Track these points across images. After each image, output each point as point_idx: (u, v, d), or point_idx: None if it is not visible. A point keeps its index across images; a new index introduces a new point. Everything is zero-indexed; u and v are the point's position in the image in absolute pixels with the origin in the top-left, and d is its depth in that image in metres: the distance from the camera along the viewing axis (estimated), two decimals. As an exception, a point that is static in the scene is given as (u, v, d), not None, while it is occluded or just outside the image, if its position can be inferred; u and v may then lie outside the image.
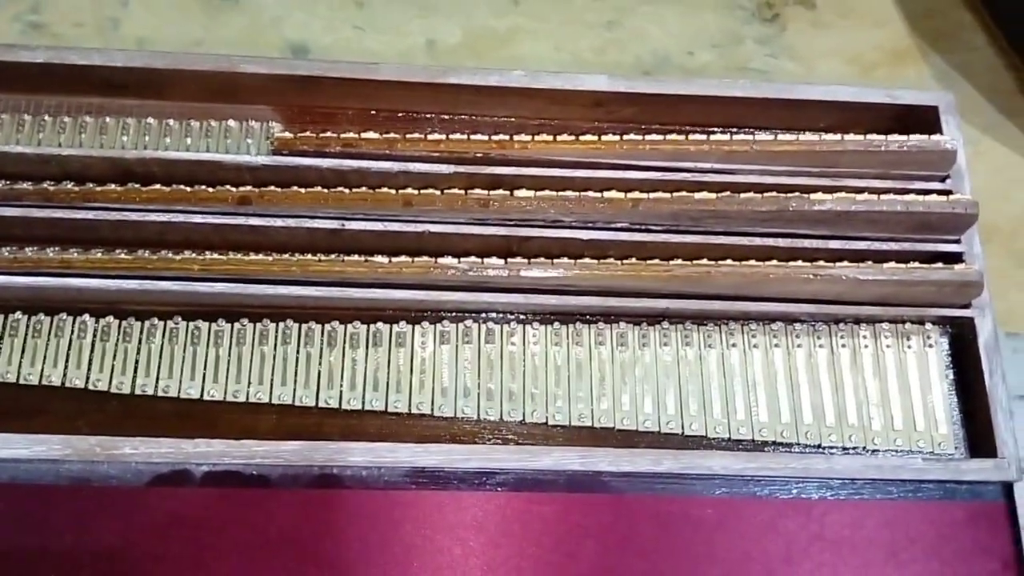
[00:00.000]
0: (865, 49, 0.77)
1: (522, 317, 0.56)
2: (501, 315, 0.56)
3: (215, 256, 0.54)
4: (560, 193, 0.55)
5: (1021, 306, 1.01)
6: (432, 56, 0.68)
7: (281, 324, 0.55)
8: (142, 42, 0.67)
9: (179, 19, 0.68)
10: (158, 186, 0.55)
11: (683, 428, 0.54)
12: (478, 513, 0.51)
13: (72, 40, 0.66)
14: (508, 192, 0.55)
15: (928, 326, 0.56)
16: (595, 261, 0.55)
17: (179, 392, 0.53)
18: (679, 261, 0.55)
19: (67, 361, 0.54)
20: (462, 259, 0.54)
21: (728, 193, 0.55)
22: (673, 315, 0.56)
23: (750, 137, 0.57)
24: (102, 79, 0.58)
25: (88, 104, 0.60)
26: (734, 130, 0.60)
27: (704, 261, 0.55)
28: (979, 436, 0.54)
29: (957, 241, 0.56)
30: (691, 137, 0.58)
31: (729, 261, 0.55)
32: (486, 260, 0.54)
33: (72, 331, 0.54)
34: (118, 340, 0.54)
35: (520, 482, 0.51)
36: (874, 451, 0.54)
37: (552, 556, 0.50)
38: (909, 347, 0.56)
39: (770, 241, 0.56)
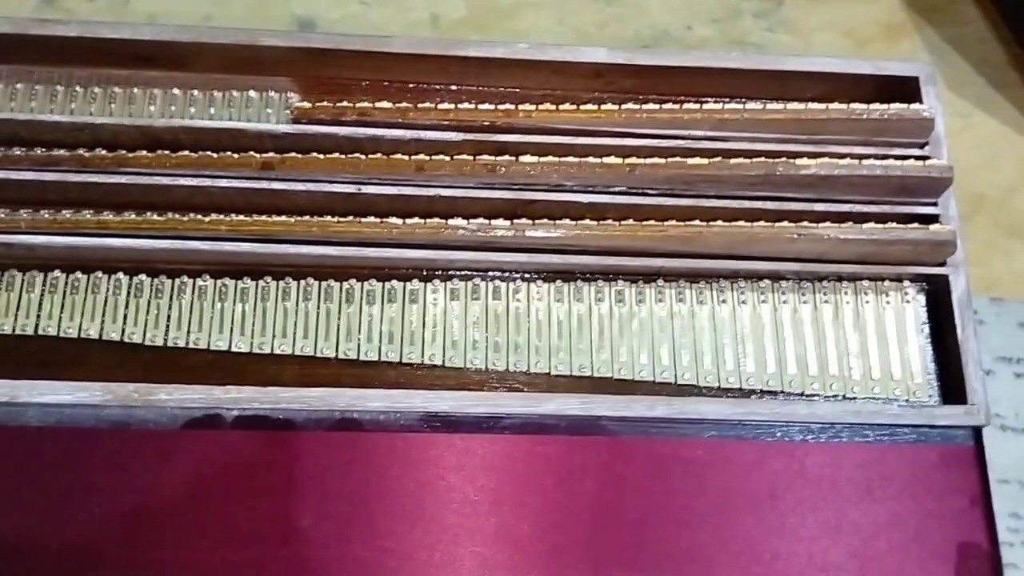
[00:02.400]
0: (860, 23, 0.80)
1: (527, 275, 0.60)
2: (507, 273, 0.59)
3: (241, 218, 0.58)
4: (562, 159, 0.59)
5: (1007, 273, 1.04)
6: (436, 30, 0.71)
7: (302, 282, 0.59)
8: (153, 16, 0.69)
9: (189, -8, 0.71)
10: (186, 153, 0.59)
11: (676, 377, 0.57)
12: (486, 454, 0.55)
13: (84, 15, 0.69)
14: (514, 158, 0.59)
15: (905, 283, 0.59)
16: (595, 222, 0.58)
17: (208, 344, 0.57)
18: (673, 222, 0.58)
19: (103, 316, 0.58)
20: (471, 220, 0.58)
21: (719, 159, 0.59)
22: (667, 273, 0.59)
23: (740, 106, 0.61)
24: (131, 52, 0.62)
25: (117, 76, 0.63)
26: (727, 100, 0.64)
27: (696, 222, 0.58)
28: (951, 385, 0.57)
29: (934, 204, 0.60)
30: (685, 106, 0.61)
31: (720, 222, 0.58)
32: (493, 221, 0.58)
33: (107, 288, 0.58)
34: (151, 296, 0.58)
35: (525, 426, 0.55)
36: (853, 399, 0.57)
37: (554, 494, 0.55)
38: (887, 303, 0.60)
39: (758, 204, 0.59)
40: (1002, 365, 0.65)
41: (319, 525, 0.53)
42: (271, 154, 0.59)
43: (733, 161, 0.59)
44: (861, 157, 0.59)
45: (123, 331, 0.57)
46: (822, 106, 0.60)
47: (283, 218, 0.58)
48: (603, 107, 0.61)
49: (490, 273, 0.59)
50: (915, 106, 0.60)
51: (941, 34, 0.84)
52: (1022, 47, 1.11)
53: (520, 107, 0.61)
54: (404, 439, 0.55)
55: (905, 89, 0.63)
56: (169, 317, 0.58)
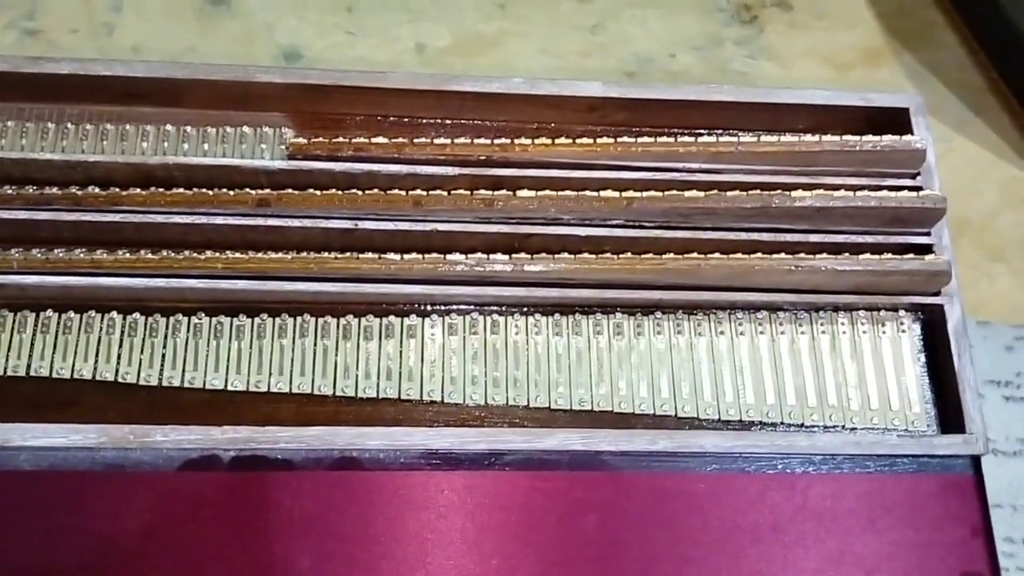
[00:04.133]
0: (840, 49, 0.81)
1: (525, 309, 0.59)
2: (505, 308, 0.59)
3: (237, 255, 0.58)
4: (559, 193, 0.59)
5: (991, 296, 1.05)
6: (422, 59, 0.71)
7: (299, 318, 0.58)
8: (136, 47, 0.69)
9: (172, 25, 0.70)
10: (180, 190, 0.59)
11: (676, 410, 0.57)
12: (488, 491, 0.55)
13: (67, 45, 0.68)
14: (511, 192, 0.59)
15: (901, 313, 0.60)
16: (593, 256, 0.58)
17: (204, 383, 0.57)
18: (671, 255, 0.59)
19: (97, 356, 0.57)
20: (468, 255, 0.58)
21: (715, 191, 0.59)
22: (666, 306, 0.59)
23: (735, 139, 0.61)
24: (123, 88, 0.62)
25: (109, 112, 0.63)
26: (719, 132, 0.65)
27: (694, 255, 0.59)
28: (949, 414, 0.58)
29: (927, 234, 0.61)
30: (680, 139, 0.62)
31: (717, 254, 0.59)
32: (491, 256, 0.58)
33: (101, 327, 0.58)
34: (145, 335, 0.58)
35: (526, 462, 0.55)
36: (852, 429, 0.57)
37: (556, 529, 0.54)
38: (884, 333, 0.60)
39: (755, 236, 0.59)
40: (990, 389, 0.65)
41: (319, 567, 0.52)
42: (267, 191, 0.59)
43: (729, 193, 0.59)
44: (855, 188, 0.60)
45: (117, 371, 0.57)
46: (815, 138, 0.61)
47: (279, 255, 0.58)
48: (599, 141, 0.61)
49: (488, 307, 0.59)
50: (907, 138, 0.61)
51: (920, 60, 0.86)
52: (1000, 73, 1.13)
53: (516, 141, 0.61)
54: (405, 477, 0.54)
55: (895, 120, 0.64)
56: (164, 356, 0.57)
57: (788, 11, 0.81)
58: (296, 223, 0.58)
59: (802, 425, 0.57)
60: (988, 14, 0.94)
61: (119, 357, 0.57)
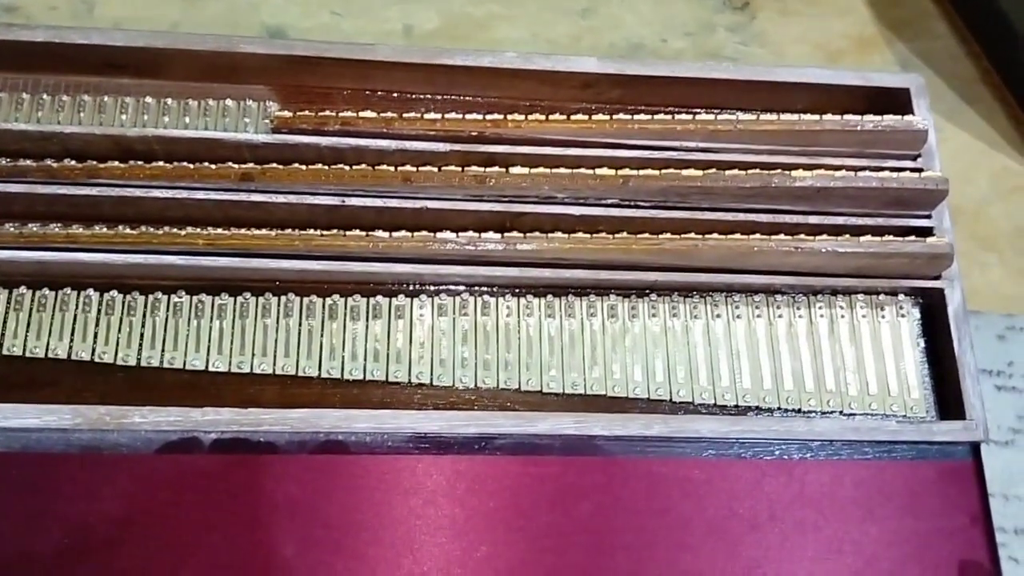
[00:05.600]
0: (832, 36, 0.80)
1: (517, 290, 0.58)
2: (497, 288, 0.58)
3: (219, 231, 0.56)
4: (553, 170, 0.57)
5: (984, 286, 1.05)
6: (410, 42, 0.69)
7: (283, 298, 0.56)
8: (118, 24, 0.67)
9: (154, 2, 0.68)
10: (160, 163, 0.57)
11: (671, 394, 0.56)
12: (477, 476, 0.53)
13: (47, 22, 0.66)
14: (503, 169, 0.57)
15: (901, 297, 0.59)
16: (587, 235, 0.57)
17: (184, 364, 0.55)
18: (668, 235, 0.57)
19: (73, 334, 0.55)
20: (459, 233, 0.56)
21: (714, 170, 0.58)
22: (661, 287, 0.58)
23: (733, 117, 0.60)
24: (101, 58, 0.59)
25: (86, 83, 0.60)
26: (716, 111, 0.63)
27: (691, 235, 0.57)
28: (949, 400, 0.57)
29: (928, 216, 0.59)
30: (678, 117, 0.60)
31: (715, 235, 0.57)
32: (482, 235, 0.56)
33: (77, 305, 0.55)
34: (123, 314, 0.55)
35: (517, 446, 0.54)
36: (851, 414, 0.56)
37: (548, 516, 0.53)
38: (883, 317, 0.59)
39: (753, 216, 0.58)
40: (983, 378, 0.65)
41: (303, 553, 0.51)
42: (251, 165, 0.57)
43: (728, 173, 0.57)
44: (856, 169, 0.58)
45: (94, 350, 0.55)
46: (816, 117, 0.59)
47: (263, 231, 0.56)
48: (594, 117, 0.59)
49: (479, 288, 0.58)
50: (908, 118, 0.60)
51: (911, 49, 0.85)
52: (992, 62, 1.13)
53: (509, 117, 0.59)
54: (392, 462, 0.53)
55: (895, 101, 0.63)
56: (142, 335, 0.55)
57: (780, -2, 0.80)
58: (281, 199, 0.56)
59: (799, 410, 0.56)
60: (981, 3, 0.94)
61: (96, 336, 0.55)
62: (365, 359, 0.56)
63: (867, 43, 0.89)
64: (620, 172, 0.57)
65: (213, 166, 0.56)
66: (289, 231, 0.56)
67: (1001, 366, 0.95)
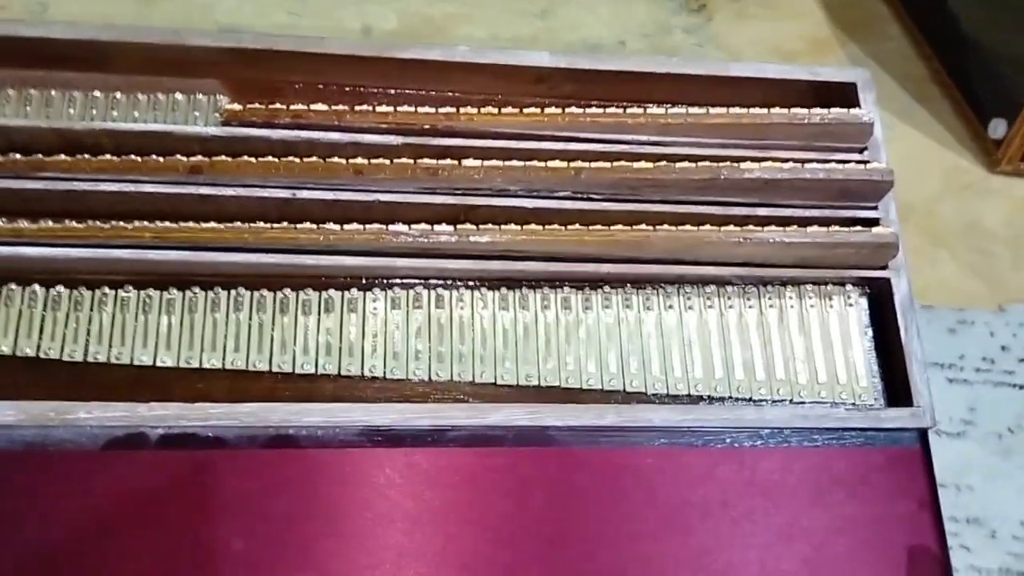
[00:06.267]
0: (787, 38, 0.81)
1: (471, 283, 0.58)
2: (450, 281, 0.57)
3: (167, 225, 0.55)
4: (506, 163, 0.57)
5: (936, 281, 1.07)
6: (368, 42, 0.69)
7: (233, 292, 0.56)
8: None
9: (109, 1, 0.68)
10: (108, 156, 0.56)
11: (624, 385, 0.56)
12: (430, 469, 0.53)
13: (-3, 22, 0.65)
14: (456, 162, 0.57)
15: (848, 287, 0.60)
16: (540, 227, 0.57)
17: (132, 359, 0.54)
18: (620, 227, 0.57)
19: (18, 330, 0.54)
20: (412, 226, 0.56)
21: (664, 163, 0.58)
22: (614, 279, 0.58)
23: (683, 111, 0.60)
24: (49, 51, 0.58)
25: (33, 77, 0.59)
26: (669, 105, 0.63)
27: (643, 227, 0.57)
28: (896, 388, 0.57)
29: (874, 208, 0.60)
30: (629, 111, 0.60)
31: (666, 226, 0.58)
32: (435, 227, 0.56)
33: (22, 300, 0.54)
34: (69, 309, 0.55)
35: (470, 438, 0.53)
36: (800, 402, 0.57)
37: (502, 507, 0.53)
38: (831, 307, 0.60)
39: (703, 208, 0.59)
40: (934, 371, 0.66)
41: (253, 549, 0.50)
42: (199, 158, 0.56)
43: (678, 165, 0.58)
44: (803, 161, 0.59)
45: (39, 346, 0.54)
46: (764, 111, 0.60)
47: (212, 224, 0.55)
48: (546, 111, 0.60)
49: (432, 281, 0.57)
50: (854, 111, 0.61)
51: (864, 50, 0.87)
52: (942, 63, 1.15)
53: (462, 110, 0.59)
54: (343, 455, 0.52)
55: (843, 95, 0.64)
56: (89, 331, 0.54)
57: (736, 0, 0.81)
58: (230, 192, 0.56)
59: (750, 399, 0.57)
60: (932, 5, 0.96)
61: (41, 332, 0.54)
62: (317, 353, 0.55)
63: (821, 44, 0.90)
64: (572, 165, 0.58)
65: (161, 159, 0.56)
66: (239, 224, 0.56)
67: (952, 359, 0.97)
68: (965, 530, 0.85)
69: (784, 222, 0.58)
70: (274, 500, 0.51)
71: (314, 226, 0.55)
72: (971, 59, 1.16)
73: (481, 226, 0.57)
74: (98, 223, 0.55)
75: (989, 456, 0.89)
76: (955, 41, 1.15)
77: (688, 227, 0.57)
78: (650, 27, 0.76)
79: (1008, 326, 0.98)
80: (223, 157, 0.56)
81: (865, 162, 0.61)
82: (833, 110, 0.61)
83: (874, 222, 0.60)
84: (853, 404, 0.57)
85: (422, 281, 0.57)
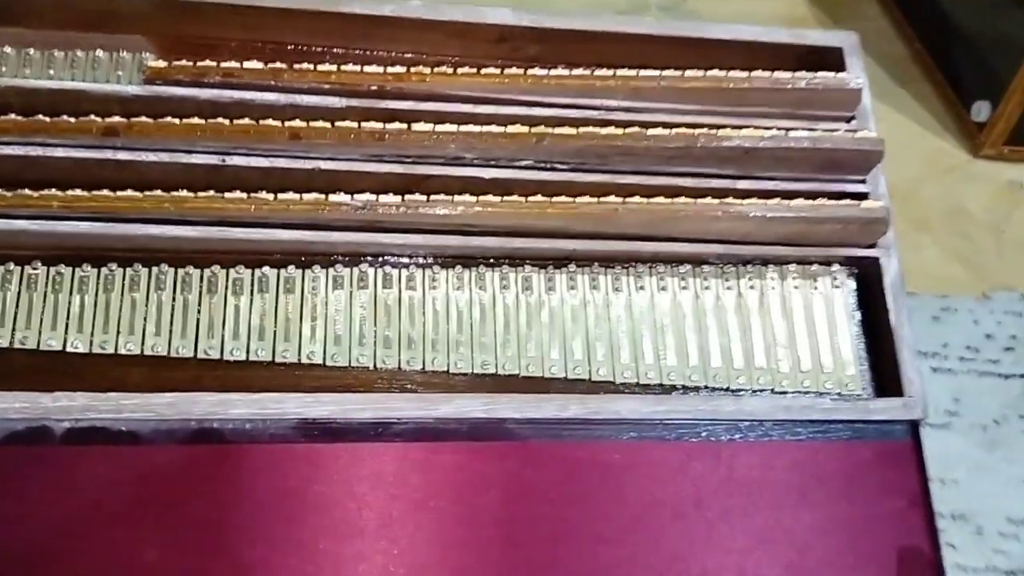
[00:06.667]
0: (764, 17, 0.79)
1: (421, 260, 0.52)
2: (399, 258, 0.52)
3: (78, 193, 0.49)
4: (461, 128, 0.52)
5: (918, 267, 1.03)
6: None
7: (154, 269, 0.50)
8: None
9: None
10: (13, 116, 0.50)
11: (590, 373, 0.52)
12: (374, 466, 0.48)
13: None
14: (405, 126, 0.52)
15: (835, 267, 0.55)
16: (498, 199, 0.52)
17: (39, 344, 0.48)
18: (586, 199, 0.52)
19: (-94, 312, 0.48)
20: (355, 196, 0.50)
21: (636, 129, 0.53)
22: (580, 257, 0.53)
23: (657, 74, 0.55)
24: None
25: (-67, 31, 0.53)
26: (640, 69, 0.58)
27: (612, 199, 0.52)
28: (886, 376, 0.53)
29: (863, 181, 0.56)
30: (597, 72, 0.55)
31: (637, 199, 0.53)
32: (381, 198, 0.51)
33: (-88, 278, 0.48)
34: (-33, 288, 0.49)
35: (419, 432, 0.48)
36: (782, 392, 0.52)
37: (454, 507, 0.47)
38: (816, 288, 0.55)
39: (678, 180, 0.54)
40: (917, 360, 0.62)
41: (169, 560, 0.44)
42: (116, 119, 0.50)
43: (651, 132, 0.53)
44: (787, 129, 0.54)
45: (-69, 330, 0.48)
46: (744, 74, 0.55)
47: (130, 193, 0.50)
48: (507, 71, 0.54)
49: (379, 257, 0.52)
50: (841, 75, 0.56)
51: (843, 29, 0.83)
52: (924, 44, 1.11)
53: (413, 70, 0.54)
54: (275, 451, 0.47)
55: (828, 60, 0.59)
56: (-10, 312, 0.48)
57: (713, -22, 0.78)
58: (152, 157, 0.50)
59: (728, 389, 0.52)
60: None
61: (-66, 313, 0.48)
62: (249, 338, 0.50)
63: (799, 23, 0.86)
64: (535, 130, 0.53)
65: (73, 119, 0.50)
66: (160, 193, 0.50)
67: (936, 347, 0.94)
68: (950, 527, 0.82)
69: (766, 195, 0.54)
70: (195, 504, 0.45)
71: (245, 195, 0.50)
72: (954, 40, 1.13)
73: (433, 197, 0.51)
74: (1, 191, 0.49)
75: (974, 448, 0.86)
76: (937, 21, 1.12)
77: (661, 200, 0.53)
78: (624, 5, 0.72)
79: (992, 314, 0.95)
80: (143, 119, 0.50)
81: (853, 131, 0.56)
82: (819, 74, 0.56)
83: (862, 197, 0.55)
84: (839, 394, 0.53)
85: (367, 258, 0.52)
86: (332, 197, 0.50)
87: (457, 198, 0.52)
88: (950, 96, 1.12)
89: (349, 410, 0.47)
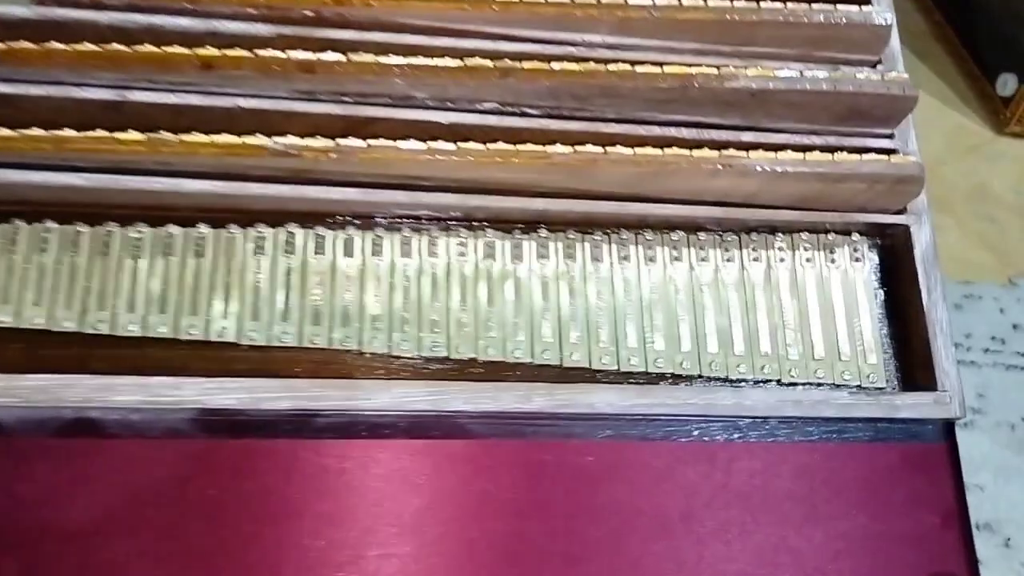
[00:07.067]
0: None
1: (358, 220, 0.44)
2: (334, 217, 0.44)
3: (-63, 130, 0.40)
4: (410, 60, 0.43)
5: (940, 249, 0.95)
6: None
7: (36, 225, 0.42)
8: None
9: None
10: None
11: (562, 358, 0.44)
12: (289, 466, 0.39)
13: None
14: (343, 56, 0.43)
15: (855, 236, 0.48)
16: (453, 147, 0.43)
17: None
18: (560, 148, 0.44)
19: None
20: (279, 140, 0.42)
21: (621, 66, 0.45)
22: (552, 219, 0.46)
23: (649, 3, 0.46)
24: None
25: None
26: (632, 2, 0.50)
27: (590, 148, 0.44)
28: (915, 366, 0.46)
29: (890, 135, 0.47)
30: (578, 0, 0.46)
31: (620, 149, 0.44)
32: (310, 141, 0.42)
33: None
34: None
35: (349, 427, 0.40)
36: (791, 384, 0.45)
37: (387, 518, 0.39)
38: (833, 261, 0.47)
39: (671, 131, 0.45)
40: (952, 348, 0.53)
41: (34, 570, 0.36)
42: (-6, 43, 0.41)
43: (639, 70, 0.45)
44: (802, 70, 0.45)
45: None
46: (752, 5, 0.47)
47: (4, 132, 0.41)
48: (469, -5, 0.46)
49: (307, 215, 0.44)
50: (866, 9, 0.47)
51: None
52: (945, 15, 1.02)
53: (355, -7, 0.45)
54: (165, 448, 0.38)
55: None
56: None
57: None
58: (35, 90, 0.41)
59: (726, 379, 0.45)
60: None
61: None
62: (147, 310, 0.41)
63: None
64: (499, 64, 0.44)
65: (-66, 44, 0.41)
66: (39, 132, 0.41)
67: (958, 338, 0.86)
68: (976, 538, 0.73)
69: (775, 148, 0.45)
70: (67, 507, 0.37)
71: (143, 136, 0.41)
72: (977, 9, 1.05)
73: (374, 143, 0.43)
74: None
75: (1001, 450, 0.77)
76: (960, -7, 1.04)
77: (649, 151, 0.44)
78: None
79: (1020, 302, 0.87)
80: (24, 43, 0.42)
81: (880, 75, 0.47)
82: (840, 7, 0.47)
83: (890, 153, 0.46)
84: (859, 387, 0.45)
85: (295, 216, 0.43)
86: (248, 139, 0.42)
87: (404, 145, 0.43)
88: (973, 69, 1.05)
89: (261, 399, 0.39)
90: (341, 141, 0.42)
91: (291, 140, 0.42)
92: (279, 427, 0.39)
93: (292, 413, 0.39)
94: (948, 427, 0.44)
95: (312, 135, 0.43)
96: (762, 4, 0.47)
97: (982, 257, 0.92)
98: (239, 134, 0.42)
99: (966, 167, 1.00)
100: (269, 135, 0.42)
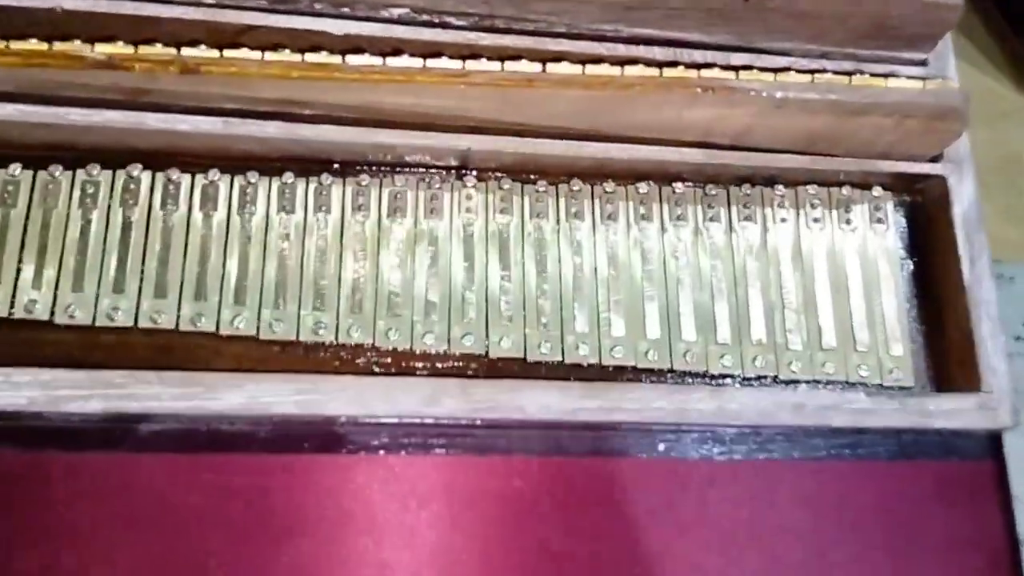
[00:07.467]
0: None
1: (221, 162, 0.34)
2: (185, 156, 0.34)
3: None
4: (287, -54, 0.33)
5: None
6: None
7: None
8: None
9: None
10: None
11: (487, 347, 0.36)
12: (102, 487, 0.29)
13: None
14: (200, -61, 0.33)
15: (877, 191, 0.39)
16: (345, 62, 0.33)
17: None
18: (488, 66, 0.34)
19: None
20: (141, 50, 0.32)
21: (570, -43, 0.34)
22: (478, 164, 0.37)
23: None
24: None
25: None
26: None
27: (528, 66, 0.33)
28: (952, 360, 0.37)
29: (923, 62, 0.37)
30: None
31: (568, 67, 0.34)
32: (146, 49, 0.32)
33: None
34: None
35: (184, 438, 0.31)
36: (791, 382, 0.37)
37: (265, 551, 0.29)
38: (848, 222, 0.39)
39: (634, 48, 0.35)
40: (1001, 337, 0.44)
41: None
42: None
43: (593, -37, 0.34)
44: (810, -29, 0.35)
45: None
46: None
47: None
48: None
49: (154, 154, 0.33)
50: None
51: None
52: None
53: None
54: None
55: None
56: None
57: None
58: None
59: (705, 375, 0.37)
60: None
61: None
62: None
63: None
64: (407, -45, 0.33)
65: None
66: None
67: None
68: None
69: (776, 70, 0.34)
70: None
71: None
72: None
73: (236, 53, 0.33)
74: None
75: (1039, 456, 0.68)
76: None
77: (605, 68, 0.34)
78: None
79: (1057, 285, 0.78)
80: None
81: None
82: None
83: (924, 81, 0.36)
84: (879, 386, 0.37)
85: (135, 155, 0.34)
86: (60, 45, 0.31)
87: (276, 57, 0.33)
88: (1002, 26, 0.96)
89: (59, 398, 0.28)
90: (186, 51, 0.32)
91: (119, 48, 0.32)
92: (92, 437, 0.29)
93: (105, 416, 0.29)
94: (994, 440, 0.34)
95: (151, 42, 0.32)
96: None
97: (1013, 234, 0.83)
98: (64, 39, 0.32)
99: (995, 135, 0.92)
100: (103, 40, 0.32)
